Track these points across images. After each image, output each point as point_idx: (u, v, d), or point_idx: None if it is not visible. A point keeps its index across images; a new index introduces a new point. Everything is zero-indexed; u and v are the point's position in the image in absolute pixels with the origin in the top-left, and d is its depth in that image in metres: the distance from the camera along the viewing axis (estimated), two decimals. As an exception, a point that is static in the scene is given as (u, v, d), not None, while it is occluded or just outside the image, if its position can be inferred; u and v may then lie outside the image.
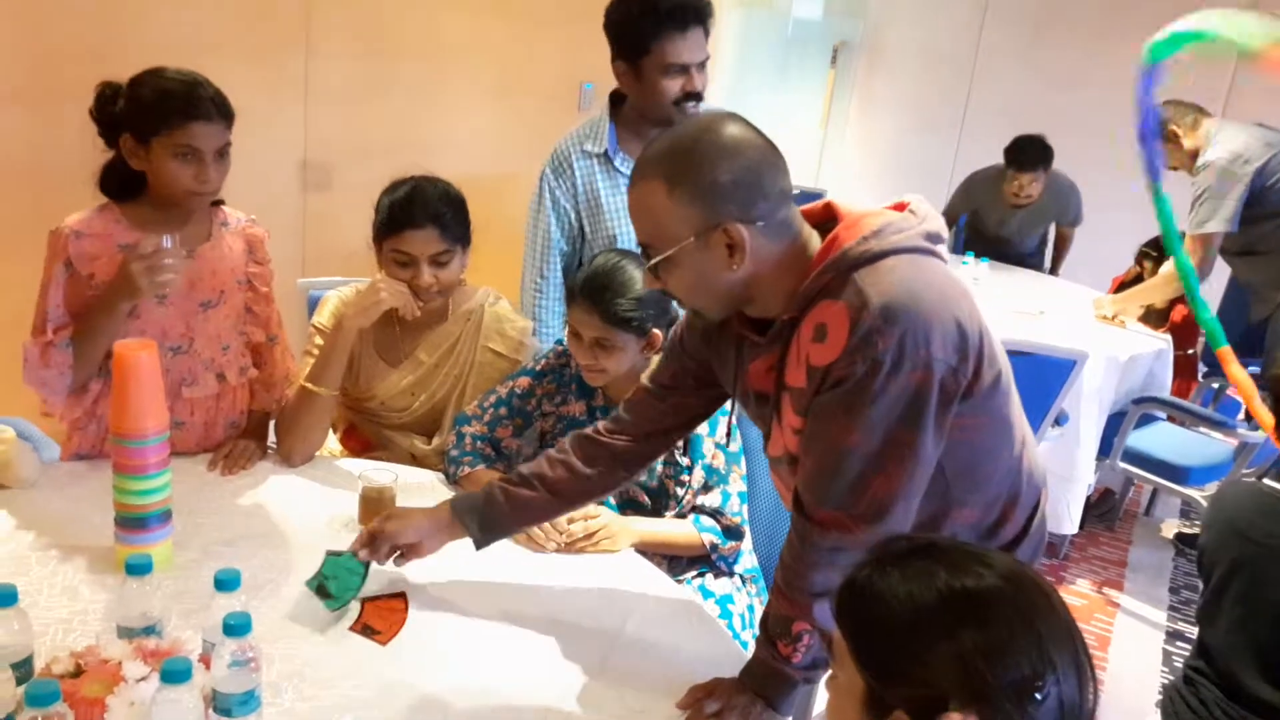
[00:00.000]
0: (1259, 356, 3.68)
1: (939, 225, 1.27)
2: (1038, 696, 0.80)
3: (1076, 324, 3.68)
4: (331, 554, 1.48)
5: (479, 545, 1.53)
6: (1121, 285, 4.20)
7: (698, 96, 2.13)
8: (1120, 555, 3.60)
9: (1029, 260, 4.69)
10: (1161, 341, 3.64)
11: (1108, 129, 6.27)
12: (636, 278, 1.77)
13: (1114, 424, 3.40)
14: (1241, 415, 3.46)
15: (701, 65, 2.12)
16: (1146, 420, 3.55)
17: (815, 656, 1.29)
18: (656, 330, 1.81)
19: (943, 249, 1.27)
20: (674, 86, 2.10)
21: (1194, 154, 3.46)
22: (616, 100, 2.27)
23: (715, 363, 1.44)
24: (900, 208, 1.27)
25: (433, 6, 4.21)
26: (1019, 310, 3.75)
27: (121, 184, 1.74)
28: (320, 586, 1.43)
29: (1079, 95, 6.21)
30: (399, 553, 1.51)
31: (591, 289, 1.77)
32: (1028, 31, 6.48)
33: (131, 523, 1.47)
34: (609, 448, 1.52)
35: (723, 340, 1.39)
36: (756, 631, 1.84)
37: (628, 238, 2.26)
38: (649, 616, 1.54)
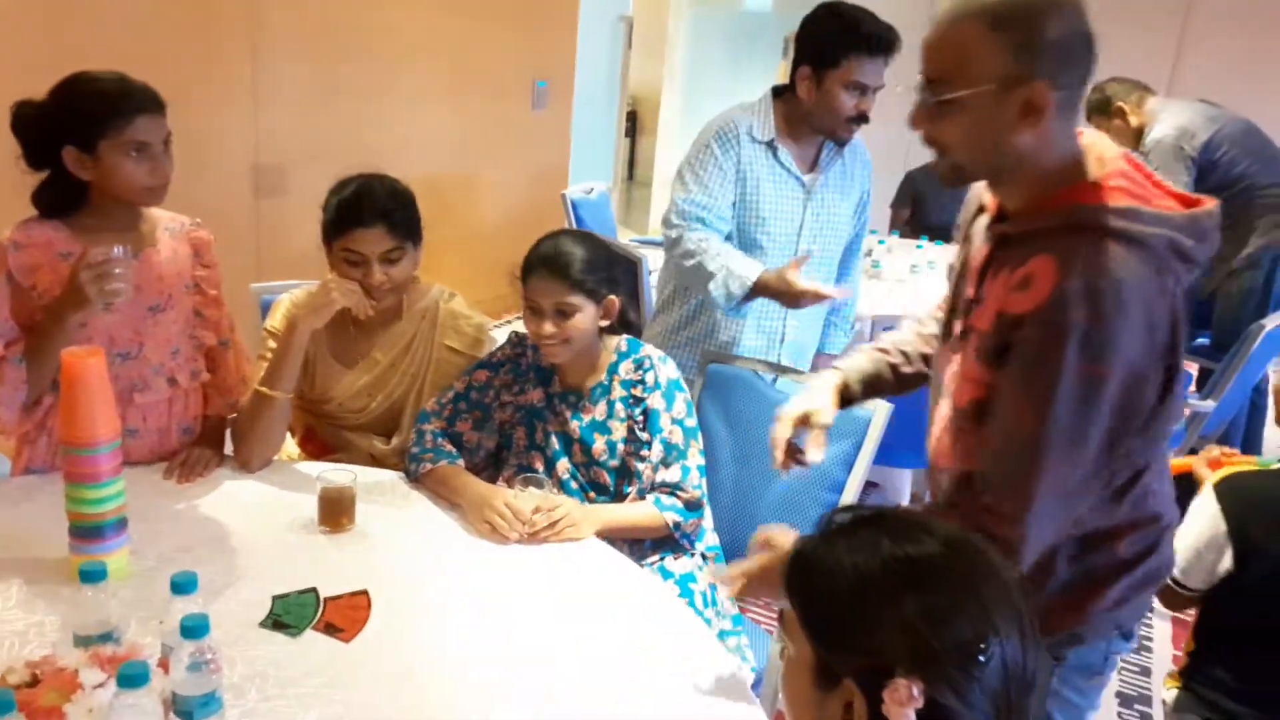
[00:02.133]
0: (1209, 329, 3.77)
1: (1190, 243, 1.19)
2: (981, 659, 0.82)
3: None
4: (277, 597, 1.47)
5: (853, 403, 1.61)
6: None
7: (865, 119, 2.31)
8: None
9: None
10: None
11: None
12: (584, 246, 1.84)
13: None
14: (1192, 387, 3.53)
15: (875, 91, 2.29)
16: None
17: None
18: (612, 297, 1.86)
19: (1178, 266, 1.19)
20: (850, 103, 2.27)
21: (1139, 131, 3.53)
22: (778, 95, 2.42)
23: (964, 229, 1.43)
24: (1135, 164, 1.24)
25: (383, 6, 4.18)
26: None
27: (60, 200, 1.71)
28: (276, 622, 1.43)
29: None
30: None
31: (545, 259, 1.82)
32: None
33: (86, 532, 1.46)
34: None
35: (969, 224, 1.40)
36: (721, 611, 1.88)
37: (776, 218, 2.44)
38: (614, 603, 1.55)
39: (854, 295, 2.78)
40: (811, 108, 2.33)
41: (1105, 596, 1.36)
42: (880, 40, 2.24)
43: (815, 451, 1.50)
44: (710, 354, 2.33)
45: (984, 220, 1.35)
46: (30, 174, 1.69)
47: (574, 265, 1.80)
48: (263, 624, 1.42)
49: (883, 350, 1.62)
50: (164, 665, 1.16)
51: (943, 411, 1.37)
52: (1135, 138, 3.54)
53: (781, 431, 1.52)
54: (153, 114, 1.66)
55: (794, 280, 2.16)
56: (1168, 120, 3.45)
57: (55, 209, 1.71)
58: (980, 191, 1.40)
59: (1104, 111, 3.55)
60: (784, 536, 1.32)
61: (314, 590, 1.49)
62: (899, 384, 1.62)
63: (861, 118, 2.31)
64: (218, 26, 3.48)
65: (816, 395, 1.55)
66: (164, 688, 1.11)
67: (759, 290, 2.24)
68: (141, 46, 3.14)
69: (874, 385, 1.60)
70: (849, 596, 0.86)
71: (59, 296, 1.62)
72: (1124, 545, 1.35)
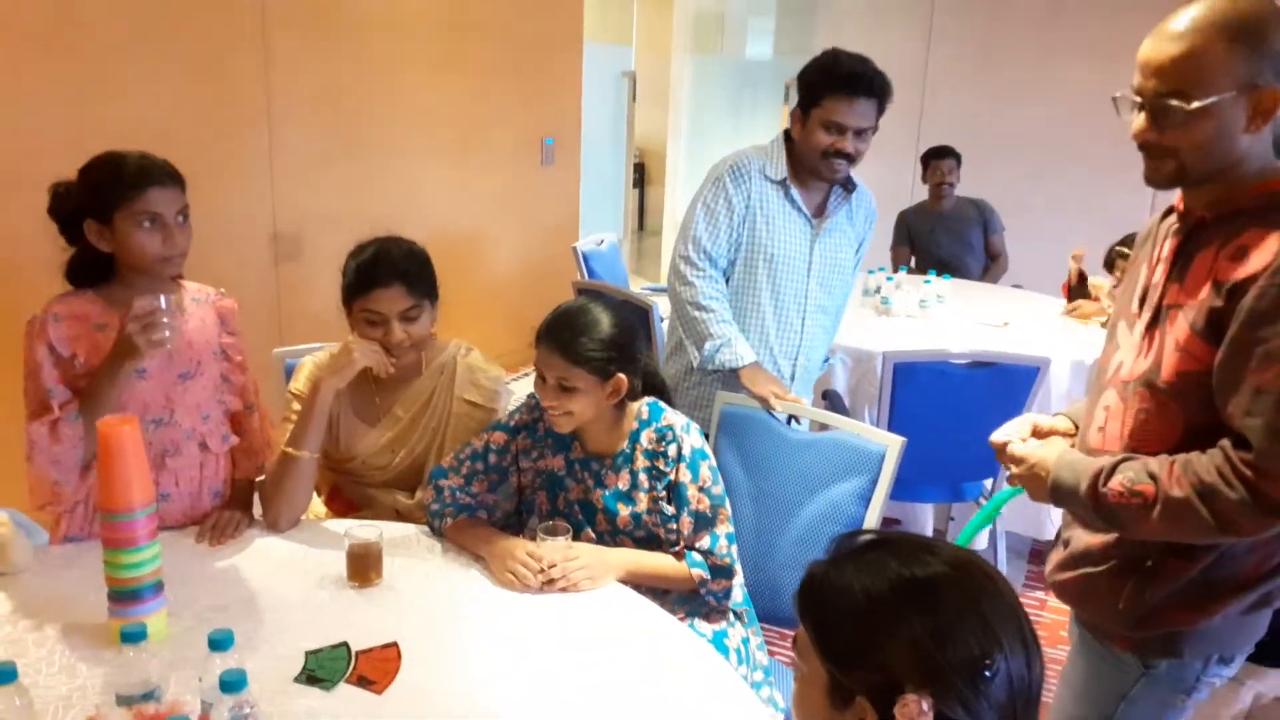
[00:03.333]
0: None
1: None
2: (987, 674, 0.85)
3: (1041, 332, 3.76)
4: (310, 653, 1.51)
5: None
6: (1069, 290, 4.30)
7: (845, 156, 2.40)
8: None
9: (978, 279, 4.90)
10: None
11: (1055, 143, 6.49)
12: (603, 320, 1.82)
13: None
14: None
15: (860, 133, 2.39)
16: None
17: (1122, 516, 1.31)
18: (622, 375, 1.83)
19: None
20: (826, 140, 2.38)
21: None
22: (789, 139, 2.53)
23: (1140, 248, 1.52)
24: None
25: (390, 71, 4.31)
26: (984, 322, 3.84)
27: (90, 272, 1.80)
28: (310, 676, 1.46)
29: (1026, 112, 6.42)
30: None
31: (555, 329, 1.82)
32: (973, 52, 6.68)
33: (124, 596, 1.50)
34: None
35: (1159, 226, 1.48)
36: (754, 664, 1.89)
37: (785, 257, 2.52)
38: (648, 654, 1.57)
39: (832, 334, 2.82)
40: (800, 146, 2.45)
41: (1217, 610, 1.36)
42: (857, 81, 2.33)
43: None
44: (724, 396, 2.37)
45: (1170, 221, 1.44)
46: (68, 251, 1.78)
47: (580, 342, 1.79)
48: (297, 679, 1.45)
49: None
50: (204, 720, 1.20)
51: (1105, 402, 1.44)
52: None
53: (1005, 430, 1.57)
54: (166, 186, 1.73)
55: (769, 399, 2.29)
56: None
57: (83, 280, 1.80)
58: (1155, 224, 1.51)
59: None
60: None
61: (345, 644, 1.53)
62: None
63: (841, 155, 2.39)
64: (234, 101, 3.61)
65: (1051, 418, 1.63)
66: (205, 742, 1.15)
67: (739, 374, 2.40)
68: (163, 125, 3.26)
69: None
70: (860, 617, 0.89)
71: (111, 351, 1.69)
72: (1255, 557, 1.35)
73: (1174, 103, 1.28)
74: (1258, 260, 1.23)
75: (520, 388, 2.05)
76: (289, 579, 1.75)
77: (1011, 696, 0.86)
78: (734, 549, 1.87)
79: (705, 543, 1.83)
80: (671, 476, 1.85)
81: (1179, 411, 1.33)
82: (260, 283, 3.81)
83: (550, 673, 1.49)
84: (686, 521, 1.84)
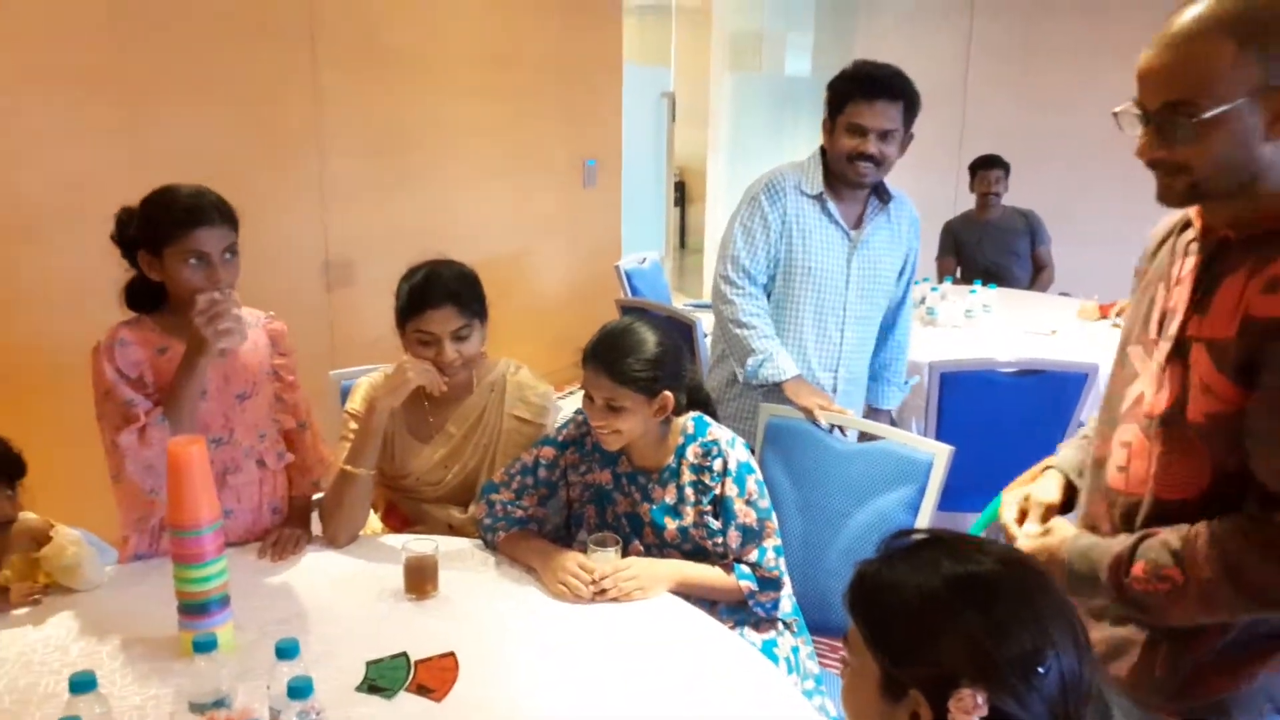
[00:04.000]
0: None
1: None
2: (1041, 670, 0.87)
3: (1088, 340, 3.72)
4: (371, 663, 1.55)
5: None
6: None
7: (869, 158, 2.43)
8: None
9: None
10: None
11: (1100, 148, 6.42)
12: (648, 339, 1.85)
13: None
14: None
15: (884, 135, 2.42)
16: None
17: (1150, 602, 1.20)
18: (668, 392, 1.86)
19: None
20: (850, 143, 2.43)
21: None
22: (824, 154, 2.57)
23: (1147, 262, 1.41)
24: None
25: (436, 100, 4.41)
26: (1032, 331, 3.81)
27: (145, 297, 1.88)
28: (371, 685, 1.50)
29: (1069, 118, 6.37)
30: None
31: (601, 350, 1.85)
32: (1014, 60, 6.66)
33: (194, 609, 1.56)
34: None
35: (1166, 243, 1.37)
36: (804, 673, 1.89)
37: (823, 270, 2.55)
38: (698, 662, 1.59)
39: (904, 352, 2.82)
40: (830, 156, 2.50)
41: (1260, 671, 1.25)
42: (874, 84, 2.38)
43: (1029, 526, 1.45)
44: (769, 409, 2.39)
45: (1188, 235, 1.32)
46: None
47: (626, 362, 1.81)
48: (359, 688, 1.49)
49: (1087, 436, 1.53)
50: (273, 726, 1.25)
51: (1124, 437, 1.32)
52: None
53: (1006, 515, 1.49)
54: (214, 225, 1.79)
55: (814, 411, 2.32)
56: None
57: (140, 304, 1.89)
58: (1165, 228, 1.41)
59: None
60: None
61: (405, 654, 1.57)
62: None
63: (865, 158, 2.42)
64: (286, 133, 3.72)
65: (1042, 482, 1.52)
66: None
67: (783, 388, 2.43)
68: (218, 156, 3.38)
69: None
70: (914, 613, 0.91)
71: (184, 354, 1.77)
72: None
73: (1181, 115, 1.17)
74: None
75: (568, 405, 2.09)
76: (349, 592, 1.80)
77: (1064, 693, 0.87)
78: (782, 561, 1.88)
79: (753, 556, 1.85)
80: (717, 491, 1.87)
81: (1208, 454, 1.22)
82: (314, 308, 3.91)
83: (601, 680, 1.52)
84: (734, 535, 1.86)
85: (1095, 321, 3.97)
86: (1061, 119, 6.40)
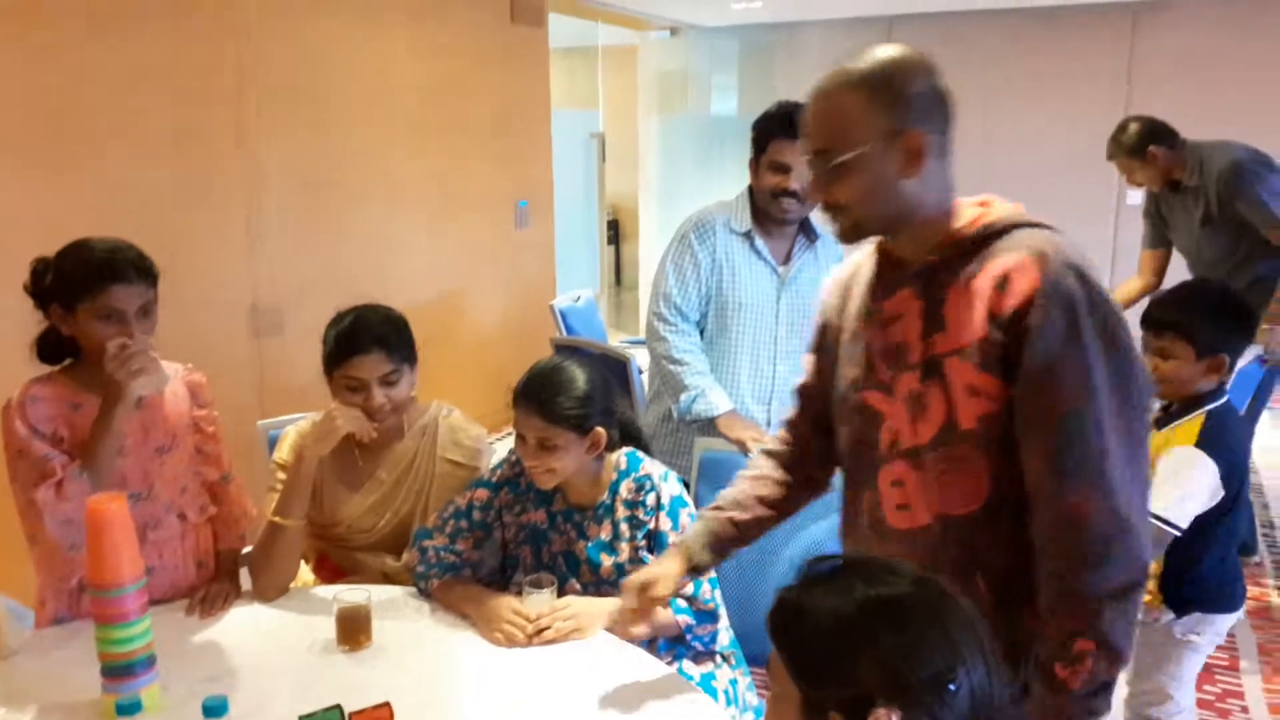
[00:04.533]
0: None
1: None
2: (952, 687, 0.90)
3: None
4: (303, 717, 1.52)
5: (704, 570, 1.68)
6: None
7: (792, 194, 2.49)
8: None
9: None
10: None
11: (1014, 180, 6.69)
12: (578, 377, 1.87)
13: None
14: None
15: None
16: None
17: (1100, 680, 1.22)
18: (600, 429, 1.87)
19: None
20: (773, 180, 2.49)
21: (1167, 171, 3.53)
22: (752, 193, 2.63)
23: (840, 317, 1.49)
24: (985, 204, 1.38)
25: (366, 140, 4.41)
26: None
27: (57, 349, 1.84)
28: None
29: (984, 152, 6.64)
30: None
31: (532, 389, 1.86)
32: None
33: (118, 671, 1.52)
34: (794, 453, 1.65)
35: (852, 293, 1.47)
36: (744, 705, 1.91)
37: (753, 305, 2.60)
38: (638, 698, 1.59)
39: None
40: (756, 194, 2.57)
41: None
42: (792, 122, 2.42)
43: (640, 627, 1.64)
44: (703, 443, 2.42)
45: (865, 277, 1.45)
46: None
47: (557, 400, 1.83)
48: (291, 744, 1.47)
49: (717, 508, 1.67)
50: (200, 788, 1.22)
51: (893, 477, 1.38)
52: (1162, 178, 3.55)
53: (625, 601, 1.62)
54: (130, 283, 1.76)
55: (747, 444, 2.34)
56: (1226, 150, 3.44)
57: (48, 356, 1.85)
58: (838, 284, 1.53)
59: (1136, 153, 3.54)
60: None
61: (338, 706, 1.54)
62: (742, 534, 1.67)
63: (787, 194, 2.49)
64: (211, 176, 3.67)
65: (658, 567, 1.64)
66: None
67: (716, 423, 2.47)
68: (141, 200, 3.32)
69: (719, 543, 1.65)
70: (830, 636, 0.93)
71: (102, 401, 1.73)
72: None
73: (827, 160, 1.31)
74: (1022, 289, 1.23)
75: (502, 447, 2.09)
76: (280, 646, 1.77)
77: (974, 708, 0.90)
78: (717, 593, 1.90)
79: (688, 589, 1.86)
80: (651, 525, 1.88)
81: (983, 460, 1.29)
82: (242, 356, 3.85)
83: (541, 723, 1.51)
84: None
85: None
86: (977, 155, 6.64)
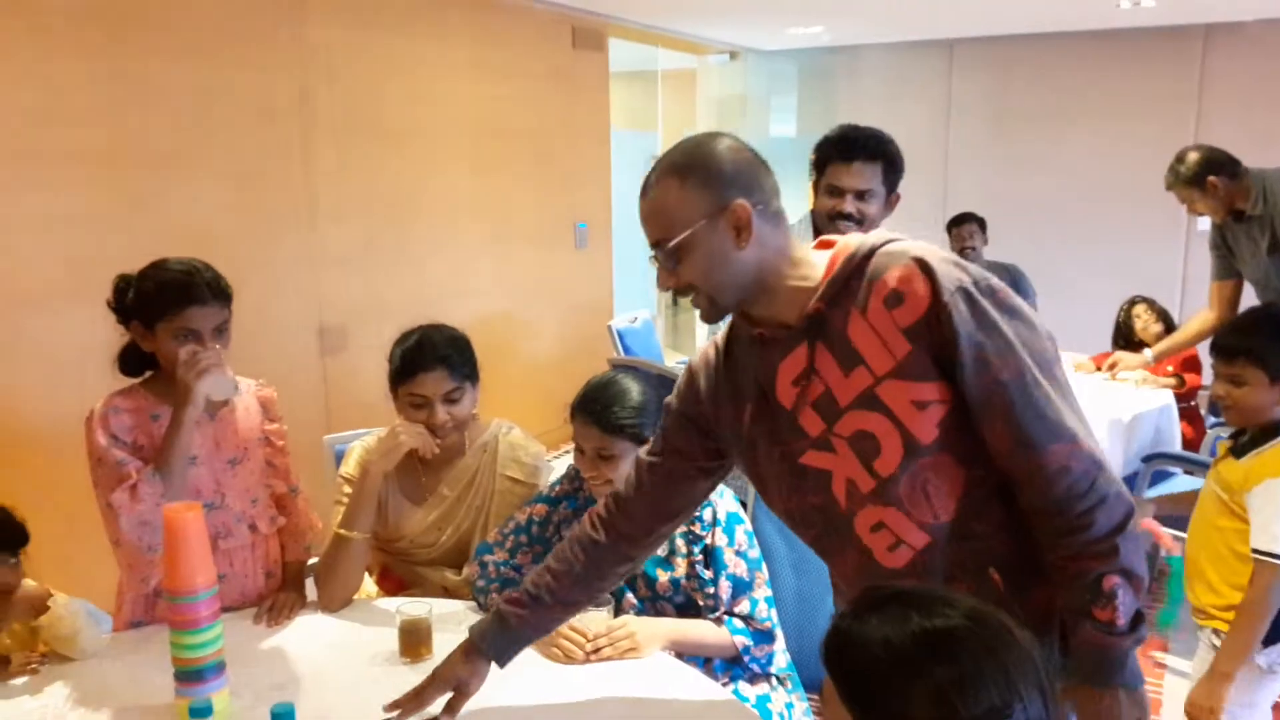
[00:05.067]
0: None
1: None
2: None
3: (1076, 392, 3.74)
4: None
5: (501, 665, 1.62)
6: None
7: (848, 217, 2.46)
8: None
9: None
10: (1166, 395, 3.72)
11: (1074, 207, 6.62)
12: (632, 389, 1.91)
13: (1131, 486, 3.45)
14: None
15: (862, 194, 2.45)
16: (1162, 477, 3.59)
17: (1134, 609, 1.27)
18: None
19: None
20: (830, 203, 2.47)
21: (1229, 201, 3.46)
22: (814, 215, 2.64)
23: (725, 397, 1.47)
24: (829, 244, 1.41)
25: (428, 168, 4.51)
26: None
27: (137, 363, 1.93)
28: None
29: (1044, 174, 6.56)
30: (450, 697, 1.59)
31: (587, 402, 1.91)
32: (988, 123, 6.86)
33: (190, 675, 1.57)
34: (611, 548, 1.60)
35: (735, 368, 1.46)
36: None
37: None
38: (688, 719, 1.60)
39: None
40: (815, 217, 2.56)
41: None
42: (851, 144, 2.44)
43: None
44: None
45: (743, 346, 1.44)
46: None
47: (613, 410, 1.87)
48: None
49: (513, 603, 1.63)
50: (268, 791, 1.25)
51: (871, 521, 1.36)
52: (1224, 209, 3.47)
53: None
54: (206, 304, 1.84)
55: None
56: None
57: (129, 369, 1.94)
58: (704, 364, 1.52)
59: (1196, 184, 3.45)
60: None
61: None
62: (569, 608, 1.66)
63: (844, 217, 2.45)
64: (279, 203, 3.79)
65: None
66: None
67: None
68: (213, 228, 3.45)
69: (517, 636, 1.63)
70: (883, 668, 0.93)
71: (175, 407, 1.81)
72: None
73: (662, 248, 1.35)
74: (918, 295, 1.26)
75: (560, 464, 2.12)
76: (343, 656, 1.81)
77: None
78: (774, 613, 1.90)
79: (744, 607, 1.87)
80: (707, 541, 1.89)
81: (953, 464, 1.31)
82: (308, 374, 3.95)
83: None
84: (725, 586, 1.88)
85: (1090, 374, 4.01)
86: (1037, 177, 6.59)
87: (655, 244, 1.37)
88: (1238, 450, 2.11)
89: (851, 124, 2.54)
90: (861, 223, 2.50)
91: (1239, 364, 2.07)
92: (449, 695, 1.58)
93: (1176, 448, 3.67)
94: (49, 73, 2.99)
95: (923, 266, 1.28)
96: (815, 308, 1.34)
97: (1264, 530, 1.97)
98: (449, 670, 1.59)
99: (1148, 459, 3.46)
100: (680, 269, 1.35)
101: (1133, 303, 4.28)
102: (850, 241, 1.37)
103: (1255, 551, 1.98)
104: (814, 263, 1.38)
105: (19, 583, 1.76)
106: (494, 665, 1.61)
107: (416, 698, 1.56)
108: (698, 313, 1.43)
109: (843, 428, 1.34)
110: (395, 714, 1.55)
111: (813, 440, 1.37)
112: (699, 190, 1.33)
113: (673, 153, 1.39)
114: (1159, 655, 3.28)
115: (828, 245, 1.41)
